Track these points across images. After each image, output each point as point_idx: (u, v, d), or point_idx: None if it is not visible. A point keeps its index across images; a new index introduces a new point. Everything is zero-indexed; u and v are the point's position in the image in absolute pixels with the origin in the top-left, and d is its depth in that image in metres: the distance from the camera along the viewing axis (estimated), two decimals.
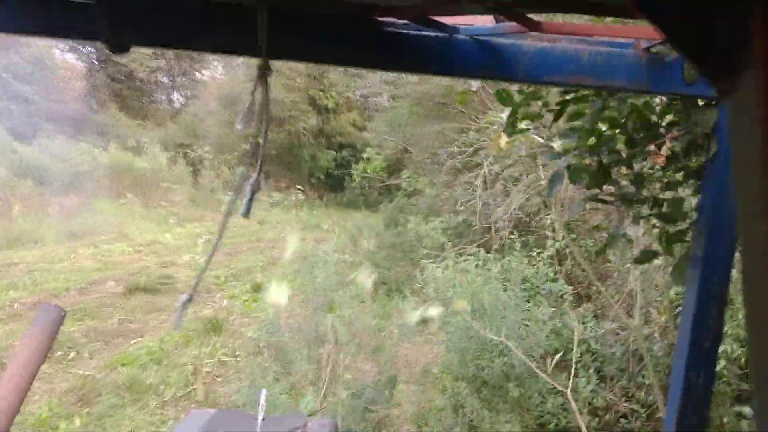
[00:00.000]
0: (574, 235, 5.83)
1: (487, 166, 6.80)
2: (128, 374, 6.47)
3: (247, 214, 1.33)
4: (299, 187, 18.08)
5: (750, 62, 0.51)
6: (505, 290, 4.80)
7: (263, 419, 2.23)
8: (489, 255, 5.79)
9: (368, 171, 12.62)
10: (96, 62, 25.18)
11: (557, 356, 4.66)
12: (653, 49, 1.37)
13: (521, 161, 6.62)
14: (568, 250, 5.82)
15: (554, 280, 5.27)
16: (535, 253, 5.73)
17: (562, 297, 5.23)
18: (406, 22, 1.37)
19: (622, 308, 5.23)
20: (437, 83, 8.53)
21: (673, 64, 1.35)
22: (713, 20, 0.58)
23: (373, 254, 10.68)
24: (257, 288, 9.87)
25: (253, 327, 8.34)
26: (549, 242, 5.74)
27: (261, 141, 1.33)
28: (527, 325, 4.70)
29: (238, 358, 7.20)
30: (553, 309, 4.74)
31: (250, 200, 1.32)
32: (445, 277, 5.32)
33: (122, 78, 24.59)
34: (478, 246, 7.70)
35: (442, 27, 1.35)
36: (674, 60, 1.34)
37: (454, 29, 1.37)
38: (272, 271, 11.18)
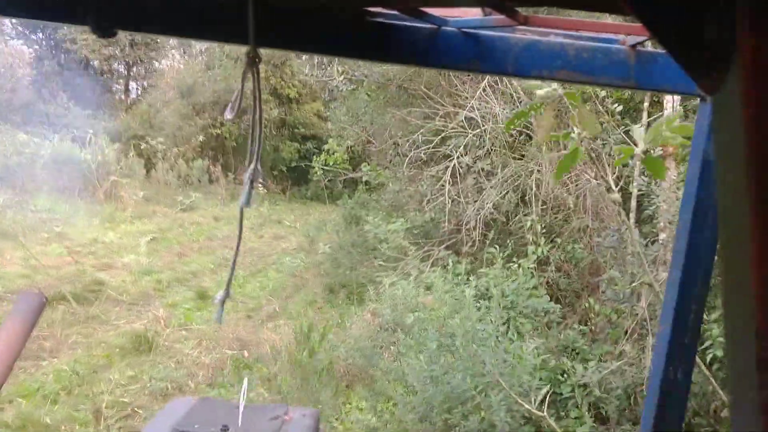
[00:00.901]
0: (559, 240, 4.75)
1: (458, 157, 5.65)
2: (25, 410, 5.16)
3: (247, 203, 1.26)
4: (260, 180, 16.73)
5: (735, 61, 0.49)
6: (479, 310, 3.67)
7: (245, 408, 2.14)
8: (460, 263, 4.65)
9: (330, 163, 11.38)
10: (46, 49, 23.24)
11: (543, 391, 3.57)
12: (640, 46, 1.32)
13: (495, 152, 5.51)
14: (552, 258, 4.74)
15: (538, 296, 4.17)
16: (514, 262, 4.62)
17: (546, 314, 4.14)
18: (394, 12, 1.30)
19: (620, 330, 4.17)
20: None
21: (659, 61, 1.32)
22: (700, 18, 0.56)
23: (334, 253, 9.48)
24: (202, 294, 8.58)
25: (191, 342, 7.09)
26: (530, 249, 4.63)
27: (257, 130, 1.26)
28: (507, 358, 3.58)
29: (168, 384, 5.93)
30: (542, 341, 3.64)
31: (250, 190, 1.24)
32: (405, 295, 4.17)
33: (74, 66, 22.69)
34: (447, 248, 6.58)
35: (430, 18, 1.28)
36: (660, 57, 1.32)
37: (443, 21, 1.30)
38: (222, 274, 9.89)
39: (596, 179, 4.89)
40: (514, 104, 5.36)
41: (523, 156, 5.49)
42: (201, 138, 16.64)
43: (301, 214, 15.95)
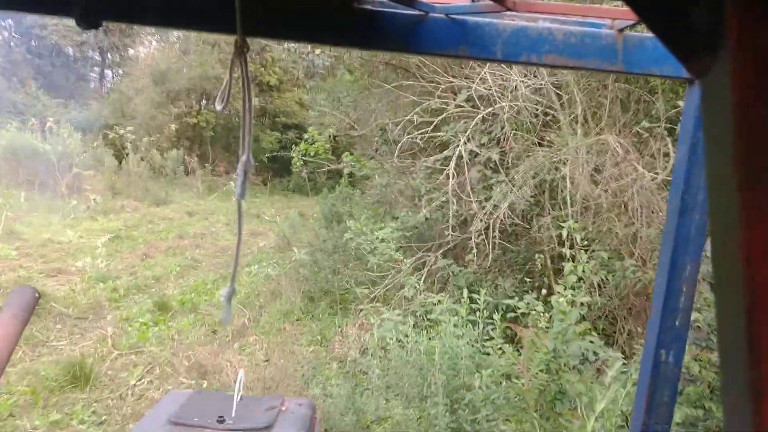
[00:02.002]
0: (605, 254, 3.38)
1: (464, 143, 4.25)
2: None
3: (242, 195, 1.18)
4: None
5: (723, 44, 0.46)
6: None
7: (241, 399, 2.08)
8: (477, 295, 3.28)
9: (311, 153, 9.92)
10: (15, 35, 21.27)
11: None
12: (628, 30, 1.27)
13: (514, 136, 4.14)
14: (595, 279, 3.38)
15: (591, 341, 2.82)
16: (543, 283, 3.26)
17: (602, 370, 2.80)
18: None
19: (702, 386, 2.83)
20: None
21: (647, 45, 1.26)
22: (687, 1, 0.52)
23: (313, 256, 8.06)
24: (162, 305, 7.12)
25: (140, 369, 5.65)
26: (567, 267, 3.27)
27: (247, 121, 1.16)
28: None
29: (102, 428, 4.52)
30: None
31: (244, 181, 1.17)
32: (400, 338, 2.79)
33: (45, 53, 20.79)
34: (445, 254, 5.22)
35: (417, 5, 1.23)
36: (648, 40, 1.26)
37: (431, 7, 1.24)
38: (189, 278, 8.42)
39: (649, 172, 3.54)
40: (535, 77, 3.99)
41: (548, 142, 4.12)
42: (175, 127, 15.00)
43: (282, 208, 14.49)
